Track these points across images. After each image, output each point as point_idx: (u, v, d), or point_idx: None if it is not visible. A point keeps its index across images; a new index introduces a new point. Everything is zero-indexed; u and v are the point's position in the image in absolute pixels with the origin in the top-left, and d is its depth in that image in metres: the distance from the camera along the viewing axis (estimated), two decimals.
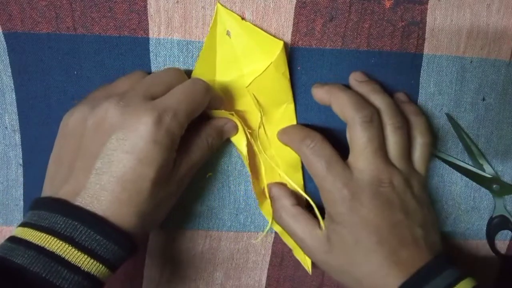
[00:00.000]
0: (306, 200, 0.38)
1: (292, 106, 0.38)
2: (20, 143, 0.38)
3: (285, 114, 0.37)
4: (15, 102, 0.37)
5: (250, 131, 0.37)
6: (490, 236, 0.41)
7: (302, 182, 0.39)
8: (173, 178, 0.32)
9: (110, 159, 0.29)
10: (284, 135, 0.37)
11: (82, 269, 0.28)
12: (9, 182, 0.39)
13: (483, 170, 0.40)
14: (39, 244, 0.27)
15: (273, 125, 0.38)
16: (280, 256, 0.41)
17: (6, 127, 0.38)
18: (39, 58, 0.36)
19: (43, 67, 0.37)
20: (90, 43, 0.36)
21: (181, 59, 0.37)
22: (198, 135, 0.34)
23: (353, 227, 0.33)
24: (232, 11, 0.35)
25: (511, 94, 0.39)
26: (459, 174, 0.40)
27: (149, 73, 0.37)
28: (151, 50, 0.36)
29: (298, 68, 0.37)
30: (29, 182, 0.39)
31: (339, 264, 0.34)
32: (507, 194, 0.40)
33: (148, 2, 0.35)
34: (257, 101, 0.36)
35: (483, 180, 0.40)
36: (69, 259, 0.27)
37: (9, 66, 0.37)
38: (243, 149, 0.36)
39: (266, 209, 0.38)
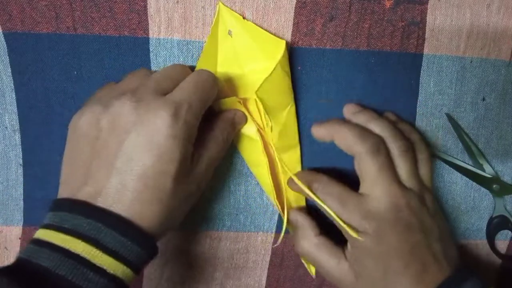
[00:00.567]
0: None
1: (294, 108, 0.38)
2: (20, 143, 0.38)
3: (288, 117, 0.37)
4: (15, 102, 0.37)
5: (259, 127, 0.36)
6: (490, 236, 0.41)
7: None
8: (192, 175, 0.31)
9: (130, 157, 0.28)
10: (293, 185, 0.37)
11: (108, 271, 0.27)
12: (9, 182, 0.39)
13: (483, 170, 0.40)
14: (64, 247, 0.27)
15: (279, 128, 0.37)
16: (280, 256, 0.41)
17: (6, 127, 0.38)
18: (39, 58, 0.36)
19: (43, 67, 0.37)
20: (90, 43, 0.36)
21: (181, 59, 0.37)
22: (212, 130, 0.34)
23: (379, 257, 0.33)
24: (233, 10, 0.35)
25: (511, 94, 0.39)
26: (459, 174, 0.40)
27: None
28: (151, 50, 0.36)
29: (298, 68, 0.37)
30: (29, 182, 0.39)
31: None
32: (507, 194, 0.40)
33: (148, 2, 0.35)
34: (266, 106, 0.35)
35: (483, 180, 0.40)
36: (95, 262, 0.27)
37: (9, 66, 0.37)
38: (256, 135, 0.36)
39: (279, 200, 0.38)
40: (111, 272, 0.27)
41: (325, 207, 0.34)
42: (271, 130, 0.36)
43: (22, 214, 0.40)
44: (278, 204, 0.38)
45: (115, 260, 0.27)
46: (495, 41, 0.38)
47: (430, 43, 0.37)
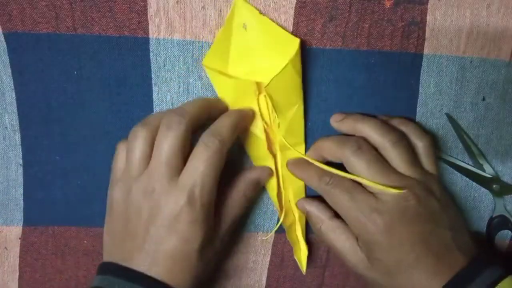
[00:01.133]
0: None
1: (302, 106, 0.37)
2: (20, 143, 0.38)
3: (296, 115, 0.37)
4: (15, 102, 0.37)
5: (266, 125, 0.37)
6: (490, 236, 0.41)
7: (303, 183, 0.39)
8: (215, 237, 0.34)
9: (157, 241, 0.32)
10: (298, 172, 0.37)
11: None
12: (9, 182, 0.39)
13: (483, 170, 0.40)
14: None
15: (285, 126, 0.37)
16: (280, 256, 0.41)
17: (6, 127, 0.38)
18: (39, 58, 0.36)
19: (43, 67, 0.37)
20: (90, 43, 0.36)
21: (181, 59, 0.37)
22: (236, 190, 0.36)
23: (390, 249, 0.33)
24: (251, 4, 0.35)
25: (511, 94, 0.39)
26: (459, 174, 0.40)
27: (150, 74, 0.37)
28: (151, 50, 0.36)
29: None
30: (29, 182, 0.39)
31: (380, 280, 0.34)
32: (507, 194, 0.40)
33: (148, 2, 0.36)
34: (274, 102, 0.35)
35: (483, 180, 0.40)
36: None
37: (9, 66, 0.37)
38: (261, 133, 0.36)
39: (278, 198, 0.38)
40: None
41: (353, 176, 0.34)
42: (278, 127, 0.36)
43: (22, 214, 0.40)
44: (277, 202, 0.38)
45: None
46: (495, 41, 0.38)
47: (430, 43, 0.37)
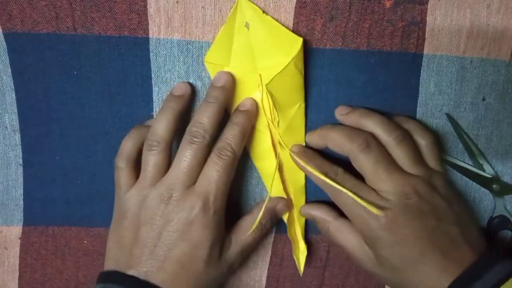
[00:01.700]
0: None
1: (303, 106, 0.38)
2: (20, 143, 0.38)
3: (297, 114, 0.37)
4: (15, 102, 0.37)
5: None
6: (490, 236, 0.41)
7: (304, 182, 0.39)
8: (224, 258, 0.35)
9: (168, 248, 0.33)
10: (303, 166, 0.37)
11: None
12: (9, 182, 0.39)
13: (483, 170, 0.40)
14: None
15: (286, 124, 0.37)
16: (280, 256, 0.41)
17: (6, 127, 0.38)
18: (39, 58, 0.36)
19: (43, 67, 0.37)
20: (90, 43, 0.36)
21: (181, 59, 0.37)
22: (251, 217, 0.37)
23: (394, 246, 0.33)
24: (253, 3, 0.35)
25: (511, 94, 0.39)
26: (459, 174, 0.40)
27: (150, 74, 0.37)
28: (151, 50, 0.36)
29: None
30: (29, 182, 0.39)
31: (389, 276, 0.35)
32: (507, 194, 0.40)
33: (148, 2, 0.36)
34: (275, 99, 0.36)
35: (483, 180, 0.40)
36: None
37: (9, 66, 0.37)
38: (265, 128, 0.36)
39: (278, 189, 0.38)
40: None
41: (343, 188, 0.34)
42: (278, 125, 0.36)
43: (22, 214, 0.40)
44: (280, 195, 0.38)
45: None
46: (495, 41, 0.38)
47: (430, 43, 0.37)
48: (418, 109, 0.39)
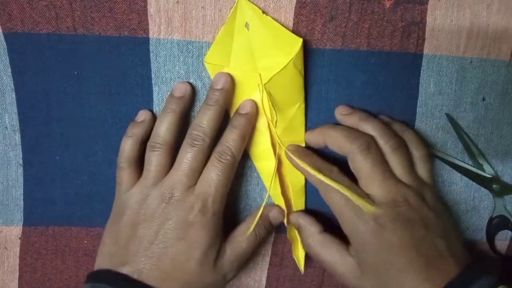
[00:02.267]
0: None
1: (303, 106, 0.38)
2: (20, 143, 0.38)
3: (296, 114, 0.37)
4: (15, 102, 0.37)
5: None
6: (490, 236, 0.41)
7: (303, 182, 0.39)
8: (218, 265, 0.35)
9: (165, 246, 0.33)
10: (298, 164, 0.37)
11: None
12: (9, 182, 0.39)
13: (483, 170, 0.40)
14: None
15: (285, 124, 0.37)
16: (280, 256, 0.41)
17: (6, 127, 0.38)
18: (39, 58, 0.36)
19: (43, 67, 0.37)
20: (90, 43, 0.36)
21: (181, 59, 0.37)
22: (246, 226, 0.37)
23: (379, 252, 0.33)
24: (253, 3, 0.35)
25: (511, 94, 0.39)
26: (459, 174, 0.40)
27: (150, 74, 0.37)
28: (151, 50, 0.37)
29: None
30: (29, 182, 0.39)
31: (372, 286, 0.35)
32: (507, 194, 0.40)
33: (148, 2, 0.36)
34: (273, 99, 0.36)
35: (483, 180, 0.40)
36: None
37: (9, 66, 0.37)
38: (265, 128, 0.37)
39: (278, 196, 0.38)
40: None
41: (335, 184, 0.34)
42: (275, 125, 0.36)
43: (22, 214, 0.40)
44: (279, 201, 0.38)
45: None
46: (495, 41, 0.38)
47: (430, 43, 0.37)
48: (418, 109, 0.39)
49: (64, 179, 0.39)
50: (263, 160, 0.38)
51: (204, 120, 0.35)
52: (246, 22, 0.35)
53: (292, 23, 0.36)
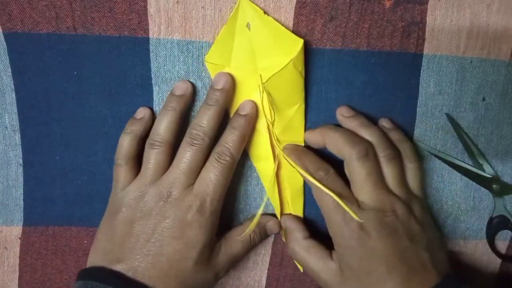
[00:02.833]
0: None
1: (303, 107, 0.38)
2: (20, 143, 0.38)
3: (296, 115, 0.37)
4: (15, 102, 0.37)
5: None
6: (490, 236, 0.41)
7: (302, 183, 0.39)
8: (212, 263, 0.35)
9: (161, 244, 0.33)
10: (295, 159, 0.37)
11: None
12: (9, 182, 0.39)
13: (483, 170, 0.40)
14: None
15: (284, 124, 0.37)
16: (280, 256, 0.41)
17: (6, 127, 0.38)
18: (39, 58, 0.36)
19: (43, 67, 0.37)
20: (90, 43, 0.36)
21: (181, 59, 0.37)
22: (242, 229, 0.37)
23: (363, 258, 0.34)
24: (255, 4, 0.35)
25: (511, 94, 0.39)
26: (459, 174, 0.40)
27: (150, 74, 0.37)
28: (151, 50, 0.36)
29: None
30: (29, 182, 0.39)
31: None
32: (507, 194, 0.40)
33: (148, 2, 0.36)
34: (272, 99, 0.36)
35: (483, 180, 0.40)
36: None
37: (9, 66, 0.37)
38: (265, 129, 0.37)
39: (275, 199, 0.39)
40: None
41: (327, 190, 0.34)
42: (273, 125, 0.37)
43: (22, 214, 0.40)
44: (277, 203, 0.38)
45: None
46: (495, 41, 0.38)
47: (430, 43, 0.37)
48: (418, 109, 0.39)
49: (64, 179, 0.39)
50: (263, 160, 0.38)
51: (204, 120, 0.35)
52: (248, 22, 0.35)
53: (292, 23, 0.36)
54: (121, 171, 0.36)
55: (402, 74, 0.38)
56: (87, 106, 0.38)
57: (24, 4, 0.35)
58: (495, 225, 0.41)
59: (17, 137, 0.38)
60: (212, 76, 0.37)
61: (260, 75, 0.35)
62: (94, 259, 0.35)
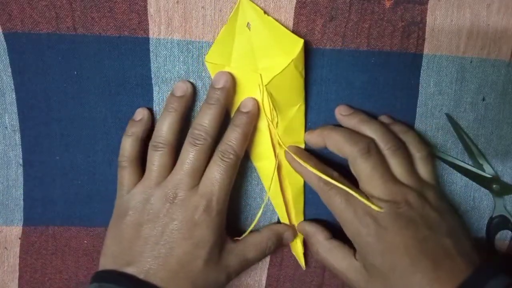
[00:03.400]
0: None
1: (303, 107, 0.38)
2: (20, 143, 0.38)
3: (297, 115, 0.37)
4: (15, 102, 0.37)
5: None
6: (490, 236, 0.41)
7: (303, 183, 0.39)
8: (223, 263, 0.35)
9: (171, 246, 0.34)
10: (297, 166, 0.37)
11: None
12: (9, 182, 0.39)
13: (483, 170, 0.40)
14: None
15: (284, 124, 0.37)
16: (280, 256, 0.41)
17: (6, 127, 0.38)
18: (39, 58, 0.36)
19: (43, 67, 0.37)
20: (90, 43, 0.36)
21: (181, 59, 0.37)
22: (260, 234, 0.38)
23: (384, 254, 0.33)
24: (255, 3, 0.35)
25: (511, 94, 0.39)
26: (459, 174, 0.40)
27: (150, 74, 0.37)
28: (151, 50, 0.37)
29: None
30: (29, 182, 0.39)
31: None
32: (507, 194, 0.40)
33: (148, 2, 0.36)
34: (274, 100, 0.36)
35: (483, 180, 0.40)
36: None
37: (9, 66, 0.37)
38: (266, 128, 0.37)
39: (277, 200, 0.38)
40: None
41: (340, 184, 0.34)
42: (276, 126, 0.37)
43: (22, 214, 0.40)
44: (278, 203, 0.38)
45: None
46: (495, 41, 0.38)
47: (430, 43, 0.37)
48: (418, 109, 0.39)
49: (64, 179, 0.39)
50: (263, 160, 0.38)
51: (205, 120, 0.35)
52: (248, 22, 0.35)
53: (292, 23, 0.36)
54: (126, 173, 0.36)
55: (402, 74, 0.38)
56: (87, 106, 0.38)
57: (24, 4, 0.35)
58: (495, 225, 0.41)
59: (17, 137, 0.38)
60: (212, 76, 0.37)
61: (260, 75, 0.35)
62: (105, 263, 0.35)
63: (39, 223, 0.40)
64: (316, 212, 0.40)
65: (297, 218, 0.39)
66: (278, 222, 0.40)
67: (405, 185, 0.35)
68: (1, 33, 0.36)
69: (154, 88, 0.37)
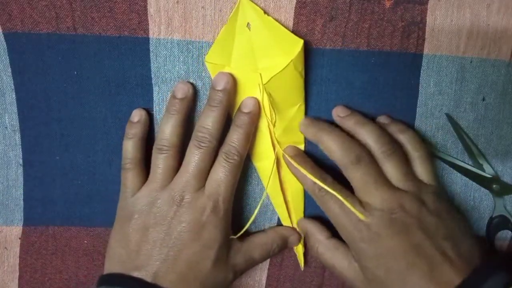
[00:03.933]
0: None
1: (303, 107, 0.38)
2: (20, 143, 0.38)
3: (296, 115, 0.37)
4: (15, 102, 0.38)
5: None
6: (490, 236, 0.41)
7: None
8: (230, 262, 0.36)
9: (180, 248, 0.34)
10: (293, 169, 0.37)
11: None
12: (9, 182, 0.39)
13: (483, 170, 0.40)
14: None
15: (284, 124, 0.37)
16: (280, 256, 0.41)
17: (6, 127, 0.38)
18: (39, 58, 0.36)
19: (43, 67, 0.37)
20: (90, 43, 0.36)
21: (181, 59, 0.37)
22: (266, 237, 0.38)
23: (379, 258, 0.33)
24: (255, 3, 0.35)
25: (511, 94, 0.39)
26: (459, 174, 0.40)
27: (150, 74, 0.37)
28: (151, 50, 0.37)
29: None
30: (29, 182, 0.39)
31: None
32: (507, 194, 0.40)
33: (148, 2, 0.36)
34: (272, 100, 0.36)
35: (483, 180, 0.40)
36: None
37: (9, 66, 0.37)
38: (266, 128, 0.37)
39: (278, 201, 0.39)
40: None
41: (331, 190, 0.34)
42: (274, 126, 0.37)
43: (22, 214, 0.40)
44: (278, 198, 0.38)
45: None
46: (495, 41, 0.38)
47: (430, 43, 0.37)
48: (418, 109, 0.39)
49: (64, 179, 0.39)
50: (264, 159, 0.38)
51: (209, 122, 0.35)
52: (248, 22, 0.35)
53: (292, 23, 0.36)
54: (130, 176, 0.36)
55: (402, 74, 0.38)
56: (87, 106, 0.38)
57: (24, 4, 0.35)
58: (495, 225, 0.41)
59: (17, 137, 0.38)
60: (213, 76, 0.37)
61: (261, 75, 0.35)
62: (111, 267, 0.35)
63: (39, 223, 0.40)
64: (316, 212, 0.40)
65: (297, 218, 0.39)
66: (279, 222, 0.40)
67: (400, 189, 0.35)
68: (1, 33, 0.36)
69: (154, 88, 0.37)
